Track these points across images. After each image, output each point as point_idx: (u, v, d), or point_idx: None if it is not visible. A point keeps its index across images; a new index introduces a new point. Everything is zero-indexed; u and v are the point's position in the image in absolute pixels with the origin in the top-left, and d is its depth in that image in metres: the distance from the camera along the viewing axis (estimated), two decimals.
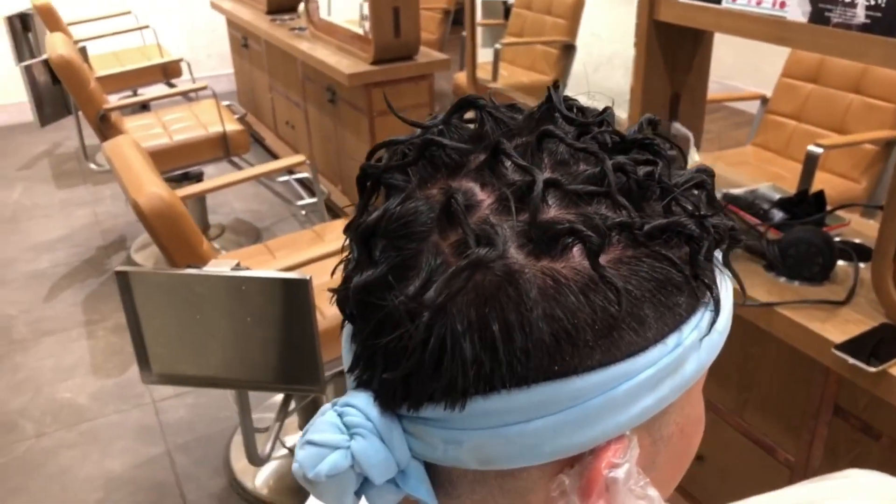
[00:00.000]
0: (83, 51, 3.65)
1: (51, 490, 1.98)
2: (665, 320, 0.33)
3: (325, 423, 0.34)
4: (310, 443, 0.33)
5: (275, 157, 4.00)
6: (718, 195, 0.43)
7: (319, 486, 0.33)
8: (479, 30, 3.80)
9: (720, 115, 4.23)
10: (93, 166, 3.12)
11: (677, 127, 1.64)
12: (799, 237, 1.28)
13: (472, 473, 0.35)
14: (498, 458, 0.33)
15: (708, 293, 0.35)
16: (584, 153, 0.34)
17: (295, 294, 1.32)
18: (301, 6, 3.62)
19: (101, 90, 2.83)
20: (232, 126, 2.84)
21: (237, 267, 1.36)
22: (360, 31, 2.88)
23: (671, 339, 0.34)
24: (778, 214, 1.39)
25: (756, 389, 1.39)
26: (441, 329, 0.31)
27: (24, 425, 2.22)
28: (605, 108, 0.37)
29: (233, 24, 4.26)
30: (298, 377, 1.41)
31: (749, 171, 2.34)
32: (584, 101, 0.38)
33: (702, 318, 0.35)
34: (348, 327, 0.36)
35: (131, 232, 3.31)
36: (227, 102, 4.54)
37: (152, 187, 1.42)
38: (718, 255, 0.38)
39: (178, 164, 2.78)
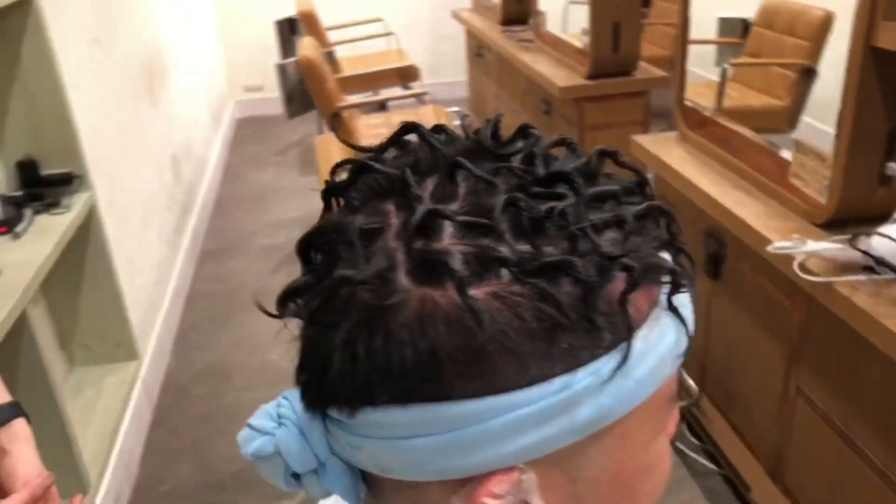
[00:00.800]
0: (331, 54, 4.06)
1: None
2: (553, 360, 0.33)
3: (264, 410, 0.38)
4: (248, 425, 0.38)
5: None
6: None
7: (256, 464, 0.38)
8: (711, 48, 3.63)
9: None
10: None
11: (893, 167, 1.48)
12: None
13: (388, 480, 0.37)
14: (392, 468, 0.36)
15: (614, 337, 0.34)
16: (488, 185, 0.34)
17: None
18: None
19: (338, 90, 3.13)
20: None
21: None
22: (580, 45, 2.90)
23: (559, 381, 0.33)
24: None
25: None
26: (323, 341, 0.34)
27: (235, 378, 2.54)
28: (534, 137, 0.38)
29: (470, 34, 4.47)
30: None
31: None
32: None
33: (606, 363, 0.34)
34: None
35: None
36: (455, 108, 4.79)
37: None
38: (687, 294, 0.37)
39: None
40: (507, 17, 3.94)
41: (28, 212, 1.83)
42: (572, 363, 0.33)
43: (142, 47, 2.98)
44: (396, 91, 3.95)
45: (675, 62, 2.10)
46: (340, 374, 0.34)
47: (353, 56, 4.47)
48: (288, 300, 0.36)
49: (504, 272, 0.32)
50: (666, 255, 0.37)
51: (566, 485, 0.37)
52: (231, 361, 2.62)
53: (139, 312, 2.38)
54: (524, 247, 0.33)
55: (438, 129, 0.39)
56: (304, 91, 3.41)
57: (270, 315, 0.37)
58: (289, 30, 4.46)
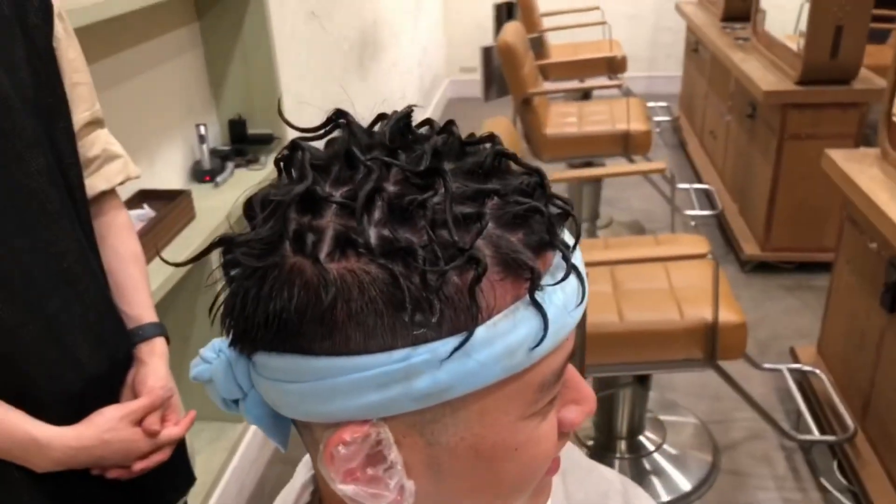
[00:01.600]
0: (540, 39, 4.08)
1: None
2: (396, 334, 0.37)
3: (213, 343, 0.44)
4: (199, 353, 0.45)
5: (691, 163, 3.97)
6: None
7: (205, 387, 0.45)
8: None
9: None
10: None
11: None
12: None
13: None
14: (279, 406, 0.41)
15: (458, 322, 0.37)
16: (369, 173, 0.38)
17: None
18: None
19: (535, 76, 3.16)
20: (638, 126, 2.93)
21: None
22: (794, 48, 2.69)
23: (400, 353, 0.37)
24: None
25: None
26: (230, 290, 0.40)
27: None
28: (445, 135, 0.41)
29: (689, 28, 4.28)
30: None
31: None
32: None
33: (446, 343, 0.37)
34: None
35: None
36: (663, 104, 4.63)
37: None
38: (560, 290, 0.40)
39: (578, 152, 2.98)
40: (728, 12, 3.73)
41: (230, 165, 2.08)
42: (413, 339, 0.37)
43: (359, 22, 3.21)
44: (597, 81, 3.90)
45: (890, 70, 1.89)
46: (236, 320, 0.40)
47: (565, 43, 4.47)
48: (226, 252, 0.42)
49: (362, 252, 0.36)
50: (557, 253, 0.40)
51: (424, 447, 0.41)
52: None
53: None
54: (384, 231, 0.36)
55: (380, 118, 0.43)
56: (503, 76, 3.48)
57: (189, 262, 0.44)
58: (506, 13, 4.55)
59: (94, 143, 0.96)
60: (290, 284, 0.37)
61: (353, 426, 0.39)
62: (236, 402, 0.44)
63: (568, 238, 0.42)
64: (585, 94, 4.11)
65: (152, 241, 1.50)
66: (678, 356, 1.70)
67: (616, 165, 2.51)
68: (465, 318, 0.37)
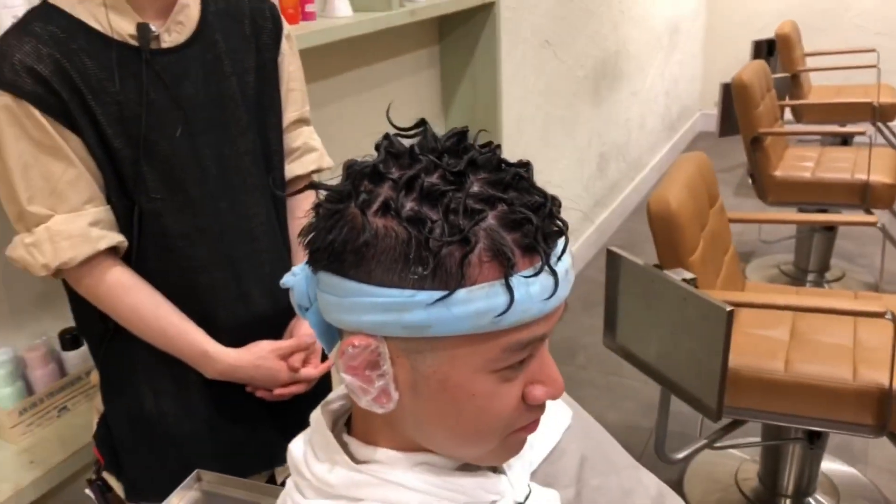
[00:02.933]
0: (797, 77, 3.88)
1: None
2: (404, 277, 0.52)
3: (300, 265, 0.62)
4: (291, 269, 0.63)
5: None
6: None
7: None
8: None
9: None
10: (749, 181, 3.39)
11: None
12: None
13: None
14: (324, 312, 0.59)
15: (448, 281, 0.51)
16: (416, 166, 0.54)
17: (716, 320, 1.42)
18: None
19: (772, 116, 3.05)
20: (880, 178, 2.70)
21: (688, 281, 1.52)
22: None
23: (402, 291, 0.52)
24: None
25: None
26: (309, 223, 0.58)
27: (578, 356, 2.78)
28: (487, 150, 0.56)
29: None
30: (700, 399, 1.51)
31: None
32: None
33: (435, 294, 0.51)
34: None
35: (762, 249, 3.49)
36: None
37: (668, 194, 1.66)
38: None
39: (806, 198, 2.82)
40: None
41: None
42: (412, 284, 0.52)
43: (599, 53, 3.34)
44: (857, 127, 3.60)
45: None
46: (311, 244, 0.57)
47: (829, 85, 4.19)
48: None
49: (395, 215, 0.53)
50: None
51: (410, 370, 0.56)
52: (581, 342, 2.87)
53: None
54: (414, 205, 0.53)
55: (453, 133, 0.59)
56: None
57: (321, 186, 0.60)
58: (766, 51, 4.38)
59: (298, 137, 1.22)
60: (343, 224, 0.54)
61: (363, 336, 0.56)
62: (306, 309, 0.63)
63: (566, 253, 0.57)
64: (844, 141, 3.83)
65: None
66: (845, 418, 1.61)
67: (811, 215, 2.36)
68: (453, 279, 0.52)
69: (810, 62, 4.20)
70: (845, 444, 2.19)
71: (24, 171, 0.93)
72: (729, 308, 1.39)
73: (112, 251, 1.01)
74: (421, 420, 0.59)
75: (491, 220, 0.53)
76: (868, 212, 2.78)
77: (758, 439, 2.00)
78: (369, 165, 0.55)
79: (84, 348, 1.31)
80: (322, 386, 1.20)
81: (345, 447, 0.63)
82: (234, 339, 1.09)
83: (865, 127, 3.18)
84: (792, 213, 2.97)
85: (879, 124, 3.65)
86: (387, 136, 0.58)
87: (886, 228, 2.28)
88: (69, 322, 1.27)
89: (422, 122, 0.59)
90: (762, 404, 1.68)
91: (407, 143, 0.58)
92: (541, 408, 0.61)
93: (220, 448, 1.12)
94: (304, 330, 1.15)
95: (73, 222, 0.96)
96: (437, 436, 0.60)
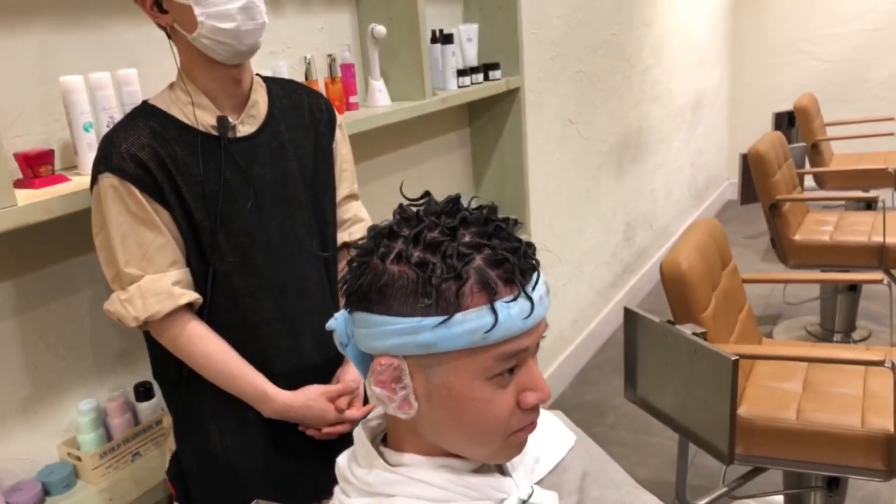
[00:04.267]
0: (817, 146, 4.02)
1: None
2: (416, 308, 0.69)
3: (342, 311, 0.80)
4: (335, 315, 0.80)
5: None
6: None
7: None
8: None
9: None
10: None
11: None
12: None
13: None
14: (360, 344, 0.76)
15: (448, 308, 0.68)
16: (420, 224, 0.72)
17: (723, 369, 1.55)
18: None
19: (790, 184, 3.19)
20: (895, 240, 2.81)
21: (698, 334, 1.66)
22: None
23: (413, 319, 0.69)
24: None
25: None
26: (346, 273, 0.75)
27: (608, 415, 2.88)
28: (476, 210, 0.73)
29: None
30: (713, 443, 1.62)
31: None
32: None
33: (438, 319, 0.68)
34: None
35: (790, 311, 3.58)
36: None
37: (679, 256, 1.81)
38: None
39: (824, 260, 2.93)
40: None
41: None
42: (422, 312, 0.69)
43: (621, 129, 3.55)
44: (874, 192, 3.72)
45: None
46: (346, 289, 0.75)
47: (851, 153, 4.32)
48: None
49: (406, 262, 0.70)
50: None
51: (424, 382, 0.73)
52: (611, 403, 2.97)
53: (550, 333, 2.92)
54: (420, 254, 0.70)
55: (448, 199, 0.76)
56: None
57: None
58: (787, 122, 4.55)
59: (349, 210, 1.42)
60: (368, 272, 0.72)
61: (388, 357, 0.72)
62: (346, 345, 0.79)
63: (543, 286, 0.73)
64: (868, 205, 3.93)
65: None
66: (856, 463, 1.70)
67: (824, 273, 2.47)
68: (451, 306, 0.69)
69: (831, 132, 4.36)
70: (874, 493, 2.23)
71: (123, 238, 1.14)
72: (734, 357, 1.53)
73: (189, 306, 1.20)
74: (437, 424, 0.74)
75: (479, 260, 0.70)
76: (888, 272, 2.88)
77: (779, 489, 2.07)
78: (386, 227, 0.74)
79: (155, 399, 1.50)
80: None
81: (381, 455, 0.79)
82: (288, 383, 1.26)
83: (880, 192, 3.30)
84: (803, 273, 3.06)
85: None
86: (400, 205, 0.76)
87: (893, 285, 2.38)
88: (143, 377, 1.47)
89: (426, 194, 0.78)
90: (776, 452, 1.77)
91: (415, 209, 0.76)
92: (534, 411, 0.76)
93: (274, 481, 1.28)
94: (349, 376, 1.33)
95: (159, 282, 1.16)
96: (450, 437, 0.75)
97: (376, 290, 0.71)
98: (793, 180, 3.30)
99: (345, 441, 1.31)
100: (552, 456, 0.87)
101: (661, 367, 1.79)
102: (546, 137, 2.84)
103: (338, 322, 0.79)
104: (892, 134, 4.07)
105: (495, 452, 0.76)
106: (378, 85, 1.94)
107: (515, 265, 0.70)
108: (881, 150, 4.35)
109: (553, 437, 0.89)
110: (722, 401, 1.57)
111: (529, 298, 0.71)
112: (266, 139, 1.24)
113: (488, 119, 2.59)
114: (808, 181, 3.98)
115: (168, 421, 1.32)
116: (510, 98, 2.50)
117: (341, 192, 1.39)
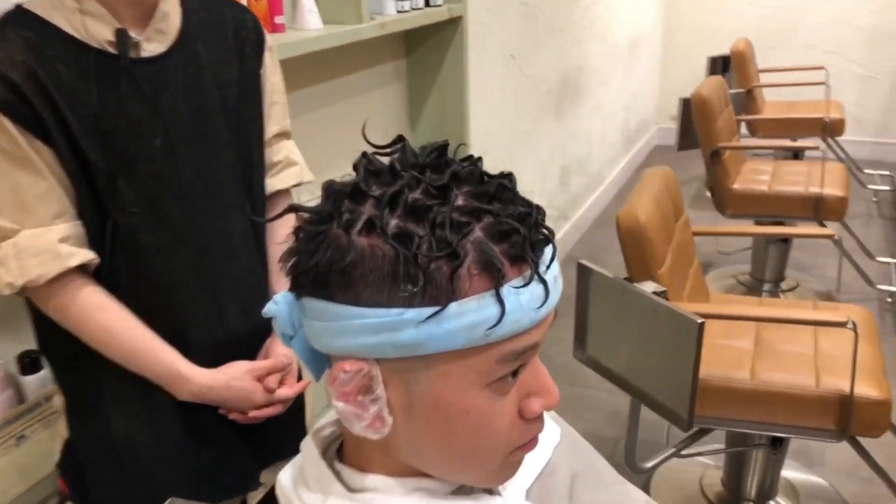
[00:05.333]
0: (751, 93, 3.98)
1: None
2: (394, 296, 0.50)
3: (282, 292, 0.60)
4: (272, 297, 0.60)
5: None
6: None
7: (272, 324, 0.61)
8: None
9: None
10: (707, 194, 3.46)
11: None
12: None
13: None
14: (311, 339, 0.57)
15: (439, 297, 0.50)
16: (398, 182, 0.52)
17: (687, 332, 1.44)
18: None
19: (730, 131, 3.12)
20: (833, 191, 2.79)
21: (659, 294, 1.54)
22: None
23: (393, 310, 0.50)
24: None
25: None
26: (290, 247, 0.55)
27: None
28: (468, 164, 0.54)
29: None
30: (671, 409, 1.52)
31: None
32: None
33: (426, 311, 0.50)
34: None
35: (720, 259, 3.56)
36: (885, 172, 4.28)
37: (637, 208, 1.69)
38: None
39: (763, 211, 2.89)
40: None
41: None
42: (402, 302, 0.51)
43: (562, 66, 3.38)
44: (808, 141, 3.71)
45: None
46: (293, 269, 0.55)
47: (782, 101, 4.31)
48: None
49: (380, 233, 0.51)
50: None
51: (404, 392, 0.55)
52: (546, 353, 2.87)
53: None
54: (399, 222, 0.51)
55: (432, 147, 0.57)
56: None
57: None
58: (721, 67, 4.49)
59: (280, 151, 1.20)
60: (326, 246, 0.52)
61: (353, 360, 0.54)
62: (290, 338, 0.61)
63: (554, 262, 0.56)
64: (796, 155, 3.94)
65: None
66: (809, 424, 1.65)
67: (769, 228, 2.43)
68: (443, 294, 0.50)
69: (763, 79, 4.32)
70: (804, 449, 2.24)
71: None
72: (700, 320, 1.42)
73: (82, 269, 0.97)
74: (417, 443, 0.57)
75: (478, 232, 0.51)
76: (821, 224, 2.86)
77: (722, 446, 2.03)
78: (350, 185, 0.54)
79: (43, 372, 1.26)
80: (295, 406, 1.18)
81: (337, 475, 0.62)
82: (207, 359, 1.06)
83: (817, 142, 3.29)
84: (752, 226, 3.04)
85: (829, 139, 3.78)
86: (364, 155, 0.56)
87: (840, 241, 2.35)
88: (28, 344, 1.22)
89: (400, 139, 0.57)
90: (730, 413, 1.70)
91: (385, 160, 0.56)
92: (539, 422, 0.60)
93: (192, 473, 1.09)
94: (280, 350, 1.13)
95: (41, 238, 0.93)
96: (434, 459, 0.58)
97: (338, 271, 0.52)
98: (732, 127, 3.24)
99: (276, 422, 1.13)
100: (539, 457, 0.72)
101: (615, 327, 1.68)
102: (489, 74, 2.64)
103: (279, 308, 0.60)
104: (822, 83, 4.06)
105: (490, 475, 0.60)
106: (308, 4, 1.69)
107: (526, 238, 0.52)
108: (810, 99, 4.36)
109: None
110: (684, 365, 1.47)
111: (543, 281, 0.53)
112: (179, 61, 1.00)
113: (427, 51, 2.37)
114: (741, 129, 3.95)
115: (60, 400, 1.10)
116: (452, 27, 2.28)
117: (270, 130, 1.17)
